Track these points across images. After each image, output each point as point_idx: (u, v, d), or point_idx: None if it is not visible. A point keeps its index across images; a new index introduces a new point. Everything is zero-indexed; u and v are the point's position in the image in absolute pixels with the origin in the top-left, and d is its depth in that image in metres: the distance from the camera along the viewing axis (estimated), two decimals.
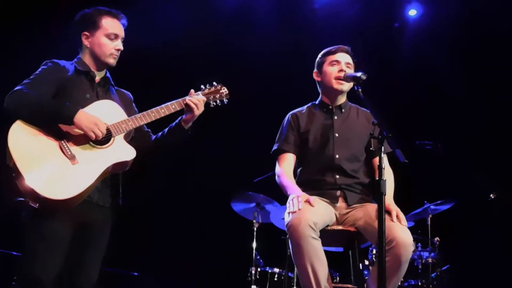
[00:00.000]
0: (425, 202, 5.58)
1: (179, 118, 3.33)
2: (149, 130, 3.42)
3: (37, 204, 2.89)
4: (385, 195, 2.94)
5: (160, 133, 3.39)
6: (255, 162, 4.89)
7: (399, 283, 5.13)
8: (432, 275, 5.48)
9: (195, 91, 3.35)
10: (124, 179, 3.30)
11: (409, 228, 5.40)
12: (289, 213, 3.17)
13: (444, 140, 5.49)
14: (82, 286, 3.12)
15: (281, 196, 3.51)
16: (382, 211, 2.90)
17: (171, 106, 3.26)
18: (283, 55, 6.12)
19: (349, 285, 3.38)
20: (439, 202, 5.56)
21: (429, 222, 5.66)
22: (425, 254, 5.57)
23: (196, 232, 5.97)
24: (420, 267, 5.57)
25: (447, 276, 5.53)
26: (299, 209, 3.12)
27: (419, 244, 5.63)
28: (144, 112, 3.22)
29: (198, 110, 3.27)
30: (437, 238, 5.57)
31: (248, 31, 6.09)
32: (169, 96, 3.30)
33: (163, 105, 3.25)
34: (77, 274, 3.10)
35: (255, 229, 5.40)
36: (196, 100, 3.27)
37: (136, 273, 5.22)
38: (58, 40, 4.50)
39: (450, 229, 5.84)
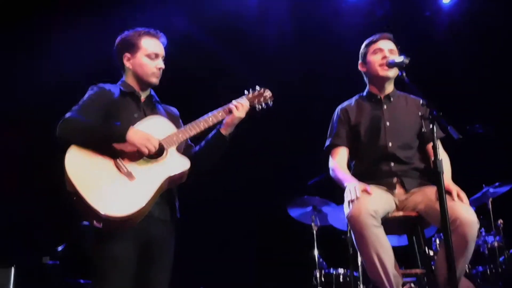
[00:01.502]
0: (483, 186, 5.49)
1: (217, 127, 3.34)
2: (192, 144, 3.45)
3: (101, 224, 2.95)
4: (443, 174, 2.92)
5: (197, 147, 3.41)
6: (306, 165, 4.89)
7: (467, 270, 5.14)
8: (500, 259, 5.35)
9: (239, 97, 3.39)
10: (178, 193, 3.34)
11: None
12: (348, 202, 3.17)
13: (493, 123, 5.41)
14: None
15: (337, 197, 3.50)
16: (442, 190, 2.88)
17: (218, 114, 3.30)
18: (320, 54, 6.12)
19: (418, 270, 3.34)
20: (497, 184, 5.45)
21: (490, 206, 5.54)
22: (490, 238, 5.45)
23: (254, 242, 5.97)
24: (486, 252, 5.45)
25: None
26: (357, 198, 3.12)
27: (483, 229, 5.51)
28: (193, 122, 3.27)
29: (238, 112, 3.28)
30: (500, 221, 5.45)
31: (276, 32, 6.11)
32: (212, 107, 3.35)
33: (209, 114, 3.30)
34: None
35: (314, 232, 5.39)
36: (236, 102, 3.31)
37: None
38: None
39: None
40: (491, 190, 5.47)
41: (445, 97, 6.08)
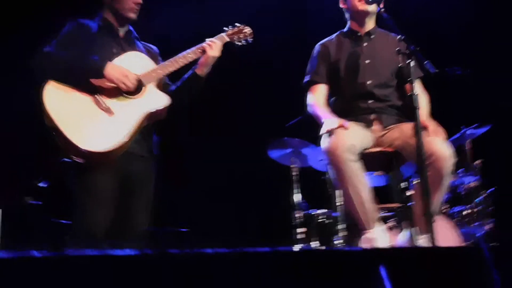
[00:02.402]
0: (462, 127, 5.52)
1: (193, 67, 3.35)
2: (170, 82, 3.46)
3: (81, 159, 2.97)
4: (418, 109, 2.94)
5: (173, 86, 3.42)
6: (284, 107, 4.88)
7: (444, 210, 5.23)
8: (477, 199, 5.44)
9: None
10: (157, 129, 3.36)
11: None
12: (326, 134, 3.19)
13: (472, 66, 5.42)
14: (132, 237, 3.19)
15: (317, 138, 3.52)
16: (418, 125, 2.91)
17: (197, 50, 3.30)
18: None
19: (394, 204, 3.40)
20: (475, 125, 5.49)
21: (468, 147, 5.60)
22: (468, 179, 5.51)
23: (235, 184, 6.00)
24: (463, 193, 5.53)
25: (492, 199, 5.49)
26: (335, 128, 3.15)
27: (461, 169, 5.57)
28: (171, 59, 3.26)
29: (212, 51, 3.29)
30: (477, 162, 5.51)
31: None
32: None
33: (188, 50, 3.29)
34: (127, 226, 3.18)
35: (294, 174, 5.43)
36: (209, 41, 3.31)
37: (183, 229, 5.30)
38: None
39: (491, 153, 5.77)
40: (469, 131, 5.51)
41: (424, 39, 6.09)
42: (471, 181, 5.49)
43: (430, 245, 2.83)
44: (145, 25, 3.45)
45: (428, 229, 2.85)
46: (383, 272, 1.83)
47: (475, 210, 5.40)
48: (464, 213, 5.43)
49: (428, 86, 3.52)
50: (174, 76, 3.38)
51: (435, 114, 3.56)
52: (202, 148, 5.89)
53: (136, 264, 1.86)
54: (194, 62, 3.34)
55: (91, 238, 3.01)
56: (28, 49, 3.17)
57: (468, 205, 5.44)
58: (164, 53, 3.47)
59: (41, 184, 4.56)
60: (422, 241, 3.14)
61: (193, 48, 3.31)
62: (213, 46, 3.30)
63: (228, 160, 5.94)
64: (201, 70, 3.33)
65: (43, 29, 3.34)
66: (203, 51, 3.30)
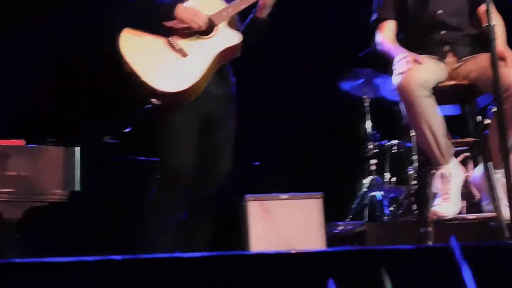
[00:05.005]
0: None
1: (253, 9, 3.29)
2: (240, 23, 3.42)
3: (159, 101, 3.06)
4: (495, 40, 2.81)
5: (242, 27, 3.38)
6: (355, 37, 4.75)
7: None
8: None
9: None
10: (234, 70, 3.39)
11: None
12: (398, 74, 3.12)
13: None
14: (215, 177, 3.28)
15: (389, 68, 3.44)
16: (495, 57, 2.79)
17: None
18: None
19: (470, 139, 3.32)
20: None
21: None
22: None
23: (306, 115, 5.98)
24: None
25: None
26: (408, 69, 3.07)
27: None
28: None
29: None
30: None
31: None
32: None
33: None
34: (212, 164, 3.26)
35: (367, 105, 5.37)
36: None
37: (257, 163, 5.36)
38: None
39: None
40: None
41: None
42: None
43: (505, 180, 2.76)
44: None
45: (504, 164, 2.77)
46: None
47: None
48: None
49: (504, 5, 3.33)
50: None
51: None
52: (271, 79, 5.85)
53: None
54: None
55: (178, 179, 3.11)
56: None
57: None
58: None
59: (126, 130, 4.69)
60: (498, 176, 3.09)
61: None
62: None
63: (299, 92, 5.90)
64: (261, 13, 3.27)
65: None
66: None
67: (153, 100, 3.09)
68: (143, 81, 3.00)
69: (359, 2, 4.01)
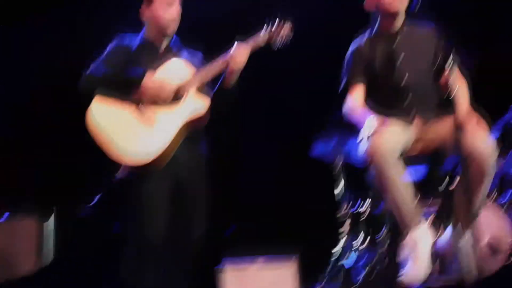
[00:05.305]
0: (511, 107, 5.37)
1: (221, 77, 3.38)
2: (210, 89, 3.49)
3: (128, 172, 3.11)
4: (458, 107, 2.92)
5: (212, 92, 3.47)
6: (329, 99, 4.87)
7: (491, 197, 5.15)
8: None
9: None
10: (205, 132, 3.45)
11: (496, 138, 5.33)
12: (365, 139, 3.20)
13: None
14: (189, 243, 3.32)
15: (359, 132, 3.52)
16: (458, 122, 2.89)
17: (223, 62, 3.33)
18: None
19: (437, 202, 3.40)
20: None
21: None
22: None
23: (280, 176, 6.03)
24: None
25: None
26: (375, 132, 3.14)
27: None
28: (211, 63, 3.33)
29: (236, 63, 3.29)
30: None
31: None
32: None
33: (216, 60, 3.34)
34: (183, 232, 3.30)
35: (339, 167, 5.43)
36: (233, 52, 3.31)
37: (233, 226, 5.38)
38: None
39: None
40: None
41: (464, 20, 5.92)
42: None
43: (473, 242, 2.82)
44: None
45: (471, 226, 2.83)
46: None
47: None
48: None
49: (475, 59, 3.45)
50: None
51: (480, 93, 3.52)
52: (246, 141, 5.93)
53: None
54: None
55: (147, 245, 3.13)
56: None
57: None
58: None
59: (95, 199, 4.71)
60: (466, 238, 3.14)
61: (223, 56, 3.33)
62: (236, 58, 3.30)
63: (274, 153, 5.97)
64: (228, 80, 3.36)
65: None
66: (230, 61, 3.31)
67: (122, 170, 3.12)
68: (111, 153, 3.05)
69: (329, 65, 4.11)
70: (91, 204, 4.77)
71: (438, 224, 4.17)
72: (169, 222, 3.21)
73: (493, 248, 4.77)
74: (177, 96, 3.24)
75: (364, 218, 5.28)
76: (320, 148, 5.41)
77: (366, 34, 3.71)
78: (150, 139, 3.13)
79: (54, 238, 4.05)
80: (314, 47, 5.78)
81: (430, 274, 3.21)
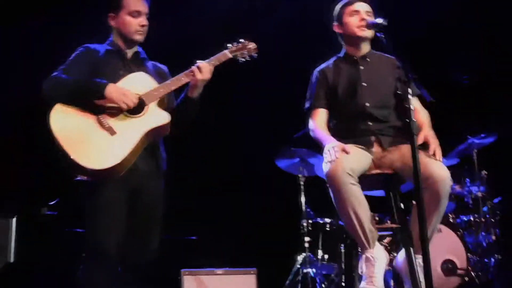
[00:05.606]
0: (468, 137, 5.58)
1: (186, 89, 3.42)
2: (175, 100, 3.54)
3: (86, 177, 3.14)
4: (416, 135, 3.01)
5: (175, 103, 3.51)
6: (291, 118, 4.98)
7: (451, 219, 5.31)
8: (484, 208, 5.50)
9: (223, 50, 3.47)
10: (165, 145, 3.49)
11: (454, 164, 5.51)
12: (326, 162, 3.29)
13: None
14: (143, 254, 3.33)
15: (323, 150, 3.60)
16: (415, 151, 2.97)
17: (189, 73, 3.36)
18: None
19: (393, 225, 3.49)
20: (482, 136, 5.55)
21: (475, 157, 5.65)
22: (474, 188, 5.58)
23: (243, 192, 6.12)
24: (470, 202, 5.59)
25: (499, 207, 5.55)
26: (336, 158, 3.24)
27: (467, 179, 5.64)
28: (174, 78, 3.37)
29: (201, 75, 3.32)
30: (484, 172, 5.57)
31: None
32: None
33: (181, 74, 3.37)
34: (138, 243, 3.31)
35: (302, 183, 5.54)
36: (199, 64, 3.35)
37: (193, 237, 5.42)
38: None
39: (497, 162, 5.82)
40: (476, 141, 5.57)
41: (427, 51, 6.10)
42: (477, 191, 5.56)
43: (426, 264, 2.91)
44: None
45: (423, 251, 2.93)
46: None
47: (482, 219, 5.47)
48: (470, 222, 5.52)
49: (433, 94, 3.56)
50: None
51: (441, 123, 3.63)
52: (210, 157, 6.00)
53: None
54: None
55: (104, 255, 3.14)
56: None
57: (474, 214, 5.52)
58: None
59: (52, 203, 4.70)
60: (418, 260, 3.24)
61: (186, 71, 3.37)
62: (202, 69, 3.33)
63: (237, 170, 6.07)
64: (191, 93, 3.38)
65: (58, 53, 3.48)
66: (194, 74, 3.34)
67: (80, 176, 3.15)
68: (70, 159, 3.05)
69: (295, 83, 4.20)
70: (51, 204, 4.78)
71: (393, 246, 4.31)
72: (126, 230, 3.22)
73: (448, 270, 4.92)
74: (139, 106, 3.26)
75: (325, 231, 5.40)
76: (285, 161, 5.53)
77: (332, 58, 3.82)
78: (112, 146, 3.14)
79: (15, 238, 4.04)
80: (281, 66, 5.90)
81: None
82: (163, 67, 3.63)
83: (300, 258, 5.33)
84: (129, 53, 3.48)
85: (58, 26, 5.37)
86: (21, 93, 5.13)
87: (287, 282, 5.26)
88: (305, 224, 5.40)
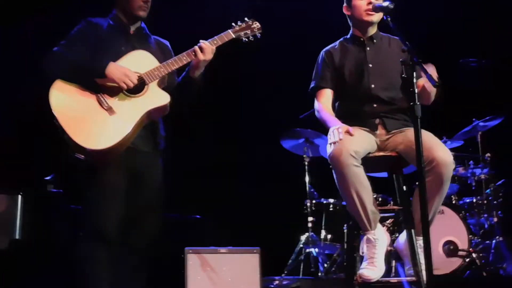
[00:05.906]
0: (474, 119, 5.59)
1: (187, 68, 3.41)
2: (177, 78, 3.54)
3: (83, 156, 3.13)
4: (419, 118, 3.02)
5: (176, 83, 3.51)
6: (298, 99, 5.00)
7: (454, 201, 5.34)
8: (487, 191, 5.53)
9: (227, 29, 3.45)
10: (165, 123, 3.49)
11: (459, 147, 5.52)
12: (330, 144, 3.32)
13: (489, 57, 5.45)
14: (144, 236, 3.35)
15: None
16: (418, 134, 2.99)
17: (191, 53, 3.35)
18: None
19: (395, 207, 3.52)
20: (487, 118, 5.55)
21: (479, 139, 5.66)
22: (478, 171, 5.60)
23: (247, 171, 6.16)
24: (473, 184, 5.62)
25: (502, 190, 5.57)
26: (340, 139, 3.26)
27: (471, 161, 5.66)
28: (176, 57, 3.37)
29: (203, 55, 3.31)
30: (488, 154, 5.58)
31: None
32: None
33: (183, 53, 3.36)
34: (139, 219, 3.32)
35: (306, 163, 5.57)
36: (201, 43, 3.34)
37: (197, 216, 5.47)
38: None
39: (502, 145, 5.83)
40: (481, 123, 5.58)
41: (435, 35, 6.08)
42: (481, 173, 5.58)
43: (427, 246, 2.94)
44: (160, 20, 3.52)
45: (424, 233, 2.96)
46: None
47: (484, 201, 5.50)
48: (473, 204, 5.55)
49: (441, 77, 3.56)
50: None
51: (447, 106, 3.59)
52: (215, 137, 6.02)
53: None
54: None
55: (102, 235, 3.15)
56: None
57: (477, 196, 5.55)
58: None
59: (48, 178, 4.71)
60: (419, 242, 3.27)
61: (188, 51, 3.35)
62: (204, 50, 3.32)
63: (242, 150, 6.09)
64: (193, 73, 3.37)
65: (58, 27, 3.48)
66: (195, 54, 3.33)
67: (79, 155, 3.13)
68: (69, 137, 3.06)
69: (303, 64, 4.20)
70: (48, 179, 4.79)
71: (395, 227, 4.34)
72: (126, 209, 3.23)
73: (449, 251, 4.96)
74: (140, 85, 3.25)
75: (328, 211, 5.44)
76: (290, 142, 5.56)
77: (339, 40, 3.83)
78: (112, 126, 3.14)
79: (21, 215, 4.08)
80: (287, 47, 5.89)
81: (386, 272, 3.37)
82: (165, 42, 3.62)
83: (303, 237, 5.38)
84: (132, 28, 3.47)
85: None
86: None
87: (290, 261, 5.31)
88: (308, 204, 5.44)
